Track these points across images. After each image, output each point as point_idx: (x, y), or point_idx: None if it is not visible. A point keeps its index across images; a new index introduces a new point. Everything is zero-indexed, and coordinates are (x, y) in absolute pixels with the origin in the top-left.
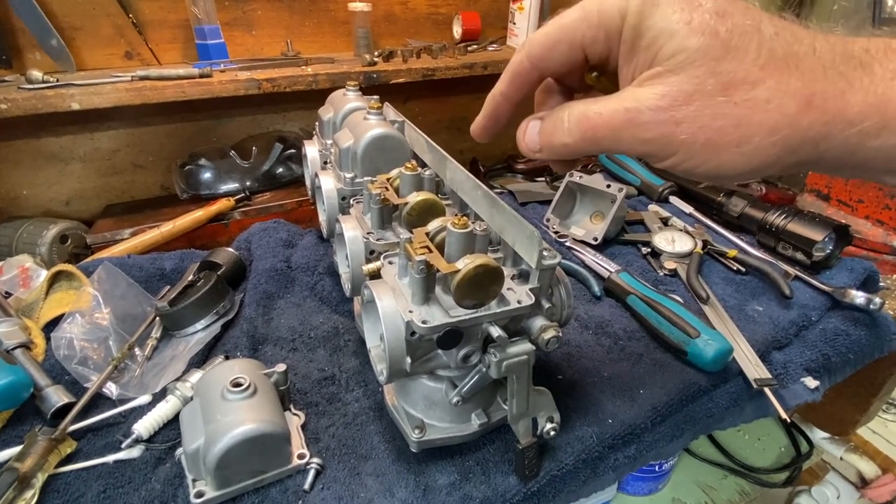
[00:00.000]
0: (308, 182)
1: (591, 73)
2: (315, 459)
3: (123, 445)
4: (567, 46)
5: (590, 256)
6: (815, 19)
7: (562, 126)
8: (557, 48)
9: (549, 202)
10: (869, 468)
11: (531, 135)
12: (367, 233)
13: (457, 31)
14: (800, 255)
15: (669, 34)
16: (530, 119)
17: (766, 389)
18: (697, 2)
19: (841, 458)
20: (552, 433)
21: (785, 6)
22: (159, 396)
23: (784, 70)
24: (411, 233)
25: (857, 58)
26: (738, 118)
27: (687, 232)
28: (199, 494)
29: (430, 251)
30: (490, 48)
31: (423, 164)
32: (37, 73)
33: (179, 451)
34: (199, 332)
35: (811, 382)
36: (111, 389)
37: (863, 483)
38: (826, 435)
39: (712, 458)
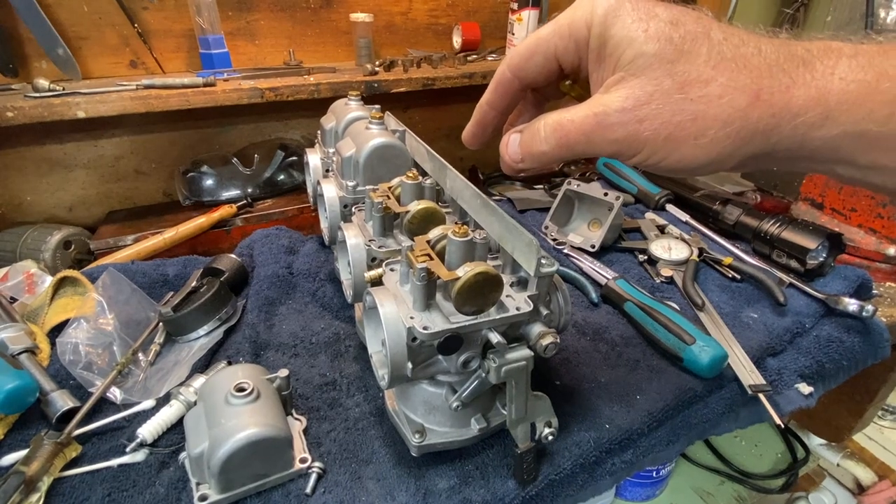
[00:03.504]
0: (310, 189)
1: (565, 81)
2: (317, 463)
3: (128, 449)
4: (543, 57)
5: (587, 263)
6: (809, 29)
7: (539, 135)
8: (534, 59)
9: (547, 209)
10: (865, 474)
11: (513, 146)
12: (369, 240)
13: (456, 41)
14: (794, 263)
15: (629, 41)
16: (511, 132)
17: (761, 395)
18: (654, 12)
19: (838, 465)
20: (550, 438)
21: (780, 18)
22: (163, 401)
23: (733, 69)
24: (412, 240)
25: (799, 57)
26: (694, 113)
27: (683, 240)
28: (203, 498)
29: (431, 259)
30: (489, 58)
31: (424, 173)
32: (43, 82)
33: (183, 455)
34: (202, 338)
35: (805, 388)
36: (115, 394)
37: (860, 489)
38: (823, 441)
39: (709, 463)
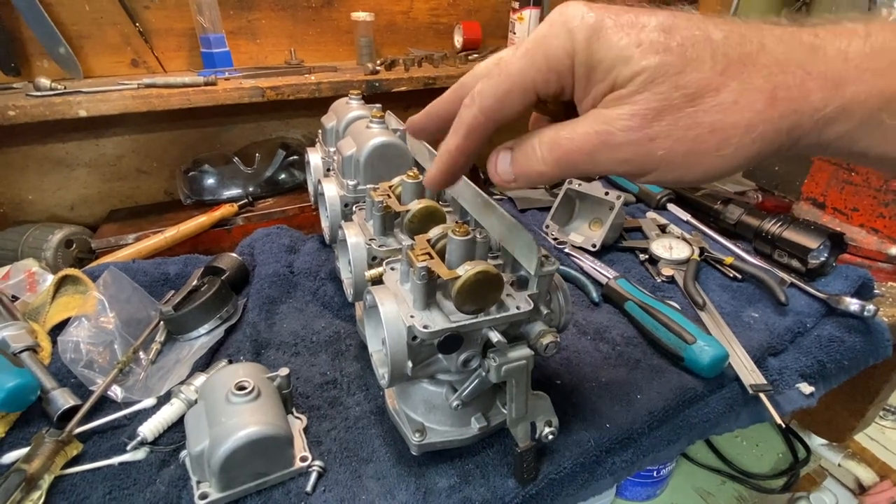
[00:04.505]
0: (311, 188)
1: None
2: (317, 462)
3: (129, 447)
4: (520, 95)
5: (588, 263)
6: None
7: (534, 155)
8: (510, 98)
9: (548, 209)
10: (867, 475)
11: (503, 166)
12: (370, 239)
13: (458, 40)
14: (795, 263)
15: (623, 60)
16: (499, 150)
17: (762, 395)
18: (640, 24)
19: (839, 465)
20: (550, 437)
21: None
22: (164, 399)
23: (742, 70)
24: (413, 239)
25: (808, 43)
26: (711, 124)
27: (684, 239)
28: (204, 496)
29: (432, 258)
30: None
31: (425, 172)
32: (45, 81)
33: (184, 453)
34: (203, 337)
35: (806, 388)
36: (116, 392)
37: (861, 490)
38: (824, 441)
39: (710, 463)
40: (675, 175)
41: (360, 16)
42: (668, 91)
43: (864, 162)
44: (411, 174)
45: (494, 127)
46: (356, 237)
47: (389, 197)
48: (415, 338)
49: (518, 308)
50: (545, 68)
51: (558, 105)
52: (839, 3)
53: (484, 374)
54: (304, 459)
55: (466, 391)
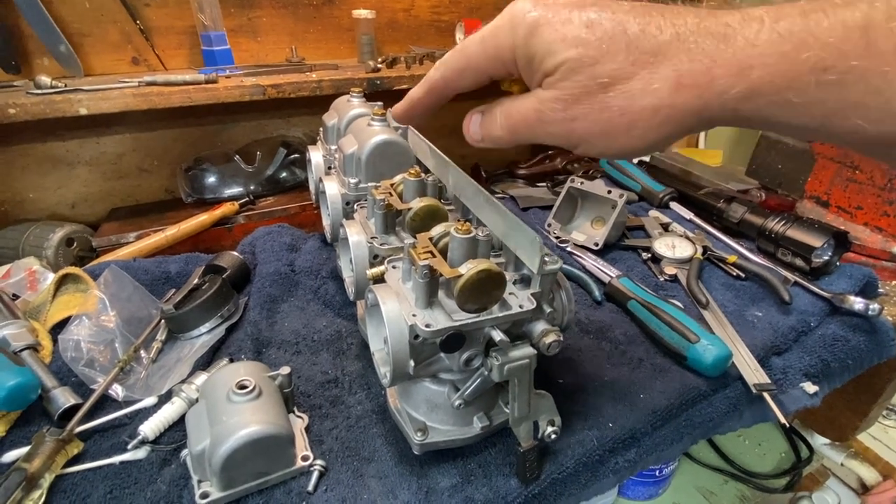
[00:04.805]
0: (312, 187)
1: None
2: (318, 461)
3: (129, 446)
4: (472, 74)
5: (591, 261)
6: None
7: (495, 121)
8: (465, 74)
9: (550, 207)
10: (870, 474)
11: (474, 127)
12: (371, 237)
13: (459, 37)
14: (799, 261)
15: (550, 53)
16: (473, 113)
17: (766, 394)
18: (569, 19)
19: (842, 464)
20: (553, 436)
21: None
22: (165, 398)
23: (653, 61)
24: (415, 238)
25: (718, 33)
26: (621, 108)
27: (687, 237)
28: (205, 495)
29: (434, 256)
30: None
31: (427, 170)
32: (45, 79)
33: (185, 452)
34: (204, 335)
35: (810, 388)
36: (117, 391)
37: (863, 489)
38: (827, 441)
39: (713, 463)
40: (597, 150)
41: (362, 13)
42: (584, 80)
43: (788, 132)
44: (413, 172)
45: (452, 93)
46: (358, 235)
47: (391, 195)
48: (417, 336)
49: (521, 307)
50: (493, 57)
51: (520, 84)
52: None
53: (486, 373)
54: (305, 459)
55: (469, 390)
